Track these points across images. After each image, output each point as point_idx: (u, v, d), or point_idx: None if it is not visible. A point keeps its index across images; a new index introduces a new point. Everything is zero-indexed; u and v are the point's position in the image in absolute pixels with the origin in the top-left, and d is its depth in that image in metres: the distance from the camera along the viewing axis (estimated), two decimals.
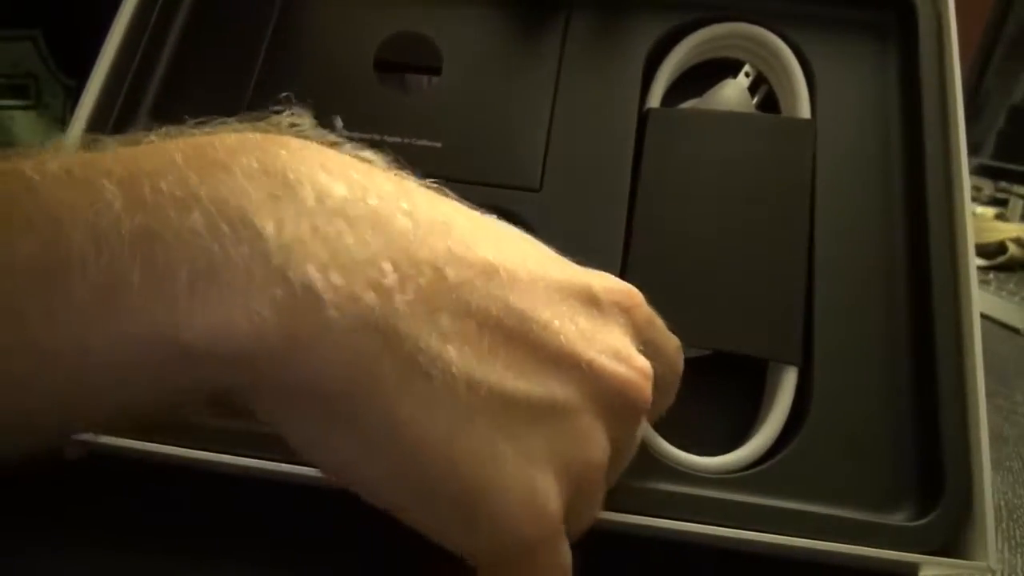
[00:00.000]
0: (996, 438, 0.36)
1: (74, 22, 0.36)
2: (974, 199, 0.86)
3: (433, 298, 0.15)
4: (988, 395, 0.23)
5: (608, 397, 0.17)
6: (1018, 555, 0.28)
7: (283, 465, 0.22)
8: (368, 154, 0.18)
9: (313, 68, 0.29)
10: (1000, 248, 0.69)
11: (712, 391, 0.26)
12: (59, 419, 0.15)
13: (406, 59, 0.29)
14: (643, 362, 0.18)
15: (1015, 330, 0.53)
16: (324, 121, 0.28)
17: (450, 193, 0.19)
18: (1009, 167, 0.84)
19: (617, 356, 0.18)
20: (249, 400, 0.15)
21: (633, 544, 0.24)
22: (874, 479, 0.23)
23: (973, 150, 0.89)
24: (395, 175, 0.17)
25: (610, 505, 0.22)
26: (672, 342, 0.21)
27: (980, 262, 0.68)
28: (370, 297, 0.15)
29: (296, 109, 0.19)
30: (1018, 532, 0.29)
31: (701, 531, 0.22)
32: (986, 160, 0.86)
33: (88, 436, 0.22)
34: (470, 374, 0.15)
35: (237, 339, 0.14)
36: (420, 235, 0.16)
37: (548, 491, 0.16)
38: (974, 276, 0.24)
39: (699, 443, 0.24)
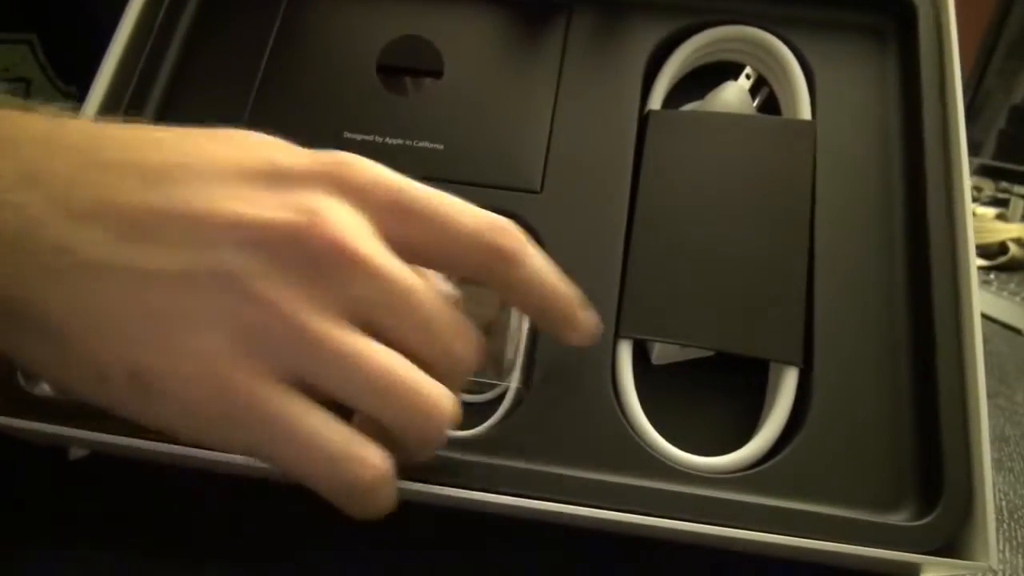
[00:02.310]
0: (998, 438, 0.36)
1: (73, 27, 0.36)
2: (975, 199, 0.86)
3: (69, 202, 0.17)
4: (990, 395, 0.23)
5: (289, 253, 0.17)
6: (1020, 556, 0.28)
7: None
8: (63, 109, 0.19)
9: (316, 72, 0.29)
10: (1001, 248, 0.69)
11: (713, 391, 0.26)
12: None
13: (408, 63, 0.30)
14: (327, 209, 0.17)
15: (1016, 330, 0.53)
16: (330, 129, 0.28)
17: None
18: (1010, 167, 0.84)
19: (282, 206, 0.17)
20: None
21: (633, 544, 0.24)
22: (875, 479, 0.23)
23: (974, 150, 0.89)
24: (53, 114, 0.18)
25: (611, 505, 0.22)
26: (447, 208, 0.19)
27: (981, 262, 0.68)
28: (6, 215, 0.16)
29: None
30: (1020, 533, 0.29)
31: (701, 531, 0.22)
32: (987, 160, 0.86)
33: (91, 436, 0.22)
34: (116, 262, 0.16)
35: None
36: (59, 158, 0.17)
37: (217, 352, 0.16)
38: (974, 276, 0.24)
39: (700, 443, 0.24)
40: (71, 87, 0.37)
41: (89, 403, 0.18)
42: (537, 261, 0.20)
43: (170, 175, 0.17)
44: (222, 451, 0.18)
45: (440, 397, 0.18)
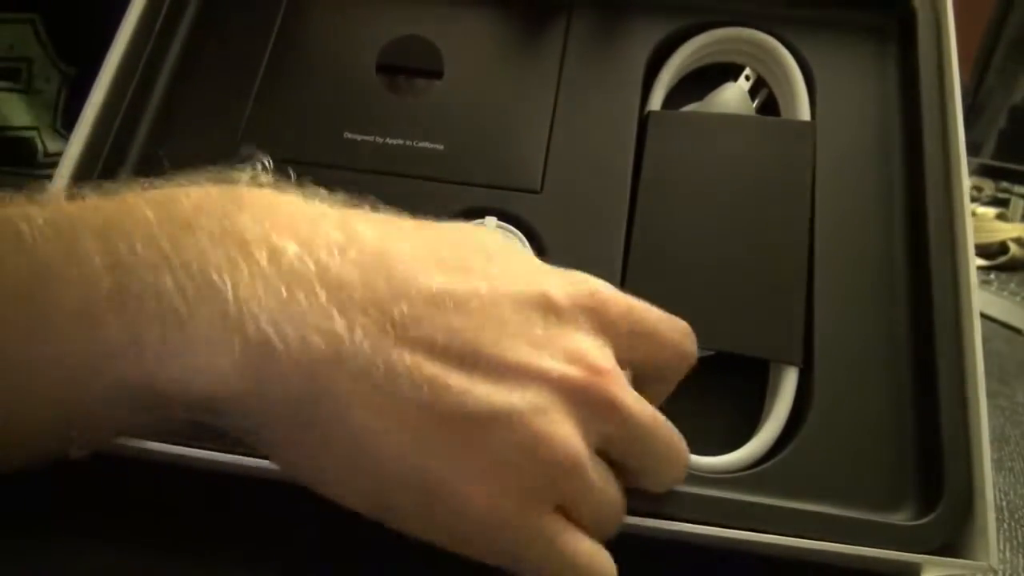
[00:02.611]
0: (998, 439, 0.36)
1: (75, 8, 0.36)
2: (975, 199, 0.86)
3: (380, 336, 0.17)
4: (990, 395, 0.23)
5: (568, 399, 0.18)
6: (1020, 556, 0.28)
7: None
8: (321, 196, 0.20)
9: (316, 73, 0.29)
10: (1001, 248, 0.69)
11: (713, 391, 0.26)
12: (51, 445, 0.18)
13: (408, 63, 0.30)
14: (601, 360, 0.19)
15: (1016, 330, 0.53)
16: (330, 129, 0.28)
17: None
18: (1010, 167, 0.84)
19: (572, 358, 0.19)
20: (228, 431, 0.18)
21: (633, 544, 0.24)
22: (875, 479, 0.23)
23: (974, 150, 0.89)
24: (342, 220, 0.19)
25: None
26: (663, 327, 0.21)
27: (981, 262, 0.68)
28: (320, 342, 0.17)
29: (260, 156, 0.21)
30: (1020, 533, 0.29)
31: (701, 531, 0.22)
32: (987, 160, 0.86)
33: None
34: (421, 399, 0.17)
35: (204, 385, 0.17)
36: (366, 279, 0.18)
37: (513, 487, 0.18)
38: (974, 276, 0.24)
39: (700, 443, 0.24)
40: (71, 68, 0.37)
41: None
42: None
43: (460, 305, 0.18)
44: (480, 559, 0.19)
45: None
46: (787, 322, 0.25)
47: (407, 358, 0.17)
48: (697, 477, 0.23)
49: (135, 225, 0.17)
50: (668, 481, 0.22)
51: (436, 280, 0.18)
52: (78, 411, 0.17)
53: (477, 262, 0.19)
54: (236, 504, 0.24)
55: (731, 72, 0.30)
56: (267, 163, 0.21)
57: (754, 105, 0.30)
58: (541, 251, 0.26)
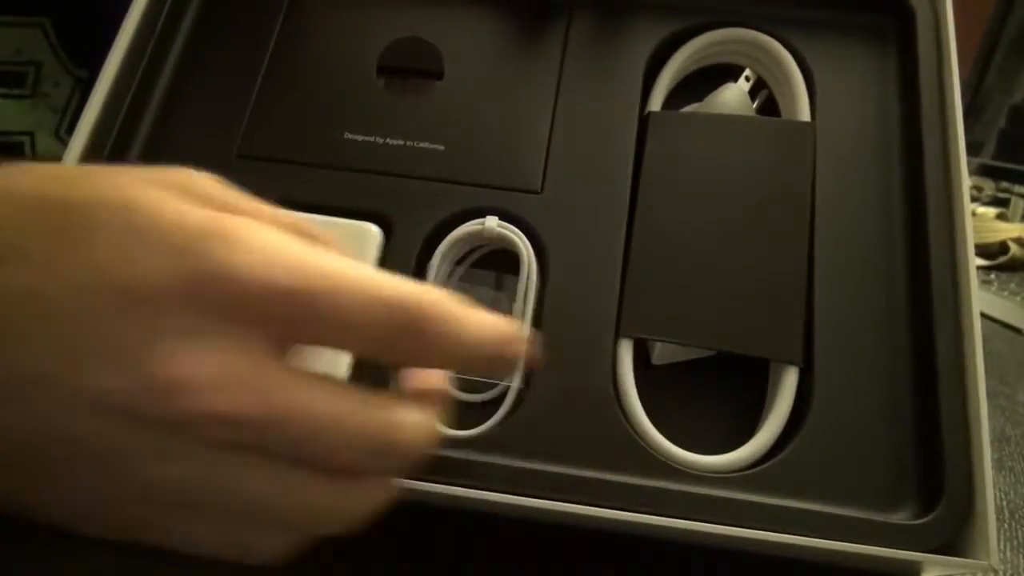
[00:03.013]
0: (998, 438, 0.36)
1: (86, 12, 0.36)
2: (975, 199, 0.86)
3: None
4: (990, 395, 0.23)
5: (125, 412, 0.15)
6: (1020, 556, 0.28)
7: None
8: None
9: (317, 73, 0.29)
10: (1002, 248, 0.69)
11: (714, 391, 0.26)
12: None
13: (408, 63, 0.30)
14: (185, 367, 0.15)
15: (1017, 330, 0.53)
16: (330, 129, 0.28)
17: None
18: (1010, 167, 0.84)
19: (146, 372, 0.15)
20: None
21: (634, 543, 0.24)
22: (875, 478, 0.23)
23: (974, 150, 0.89)
24: None
25: (612, 504, 0.22)
26: (345, 306, 0.16)
27: (981, 262, 0.68)
28: None
29: None
30: (1021, 532, 0.29)
31: (702, 530, 0.22)
32: (987, 160, 0.86)
33: None
34: None
35: None
36: None
37: (106, 514, 0.16)
38: (974, 276, 0.24)
39: (701, 442, 0.24)
40: (83, 71, 0.37)
41: None
42: (453, 322, 0.17)
43: (9, 329, 0.15)
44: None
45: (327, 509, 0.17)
46: (787, 322, 0.25)
47: None
48: (698, 476, 0.23)
49: None
50: (382, 463, 0.17)
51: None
52: None
53: (43, 245, 0.15)
54: None
55: (731, 73, 0.30)
56: None
57: (754, 106, 0.30)
58: (541, 251, 0.26)
